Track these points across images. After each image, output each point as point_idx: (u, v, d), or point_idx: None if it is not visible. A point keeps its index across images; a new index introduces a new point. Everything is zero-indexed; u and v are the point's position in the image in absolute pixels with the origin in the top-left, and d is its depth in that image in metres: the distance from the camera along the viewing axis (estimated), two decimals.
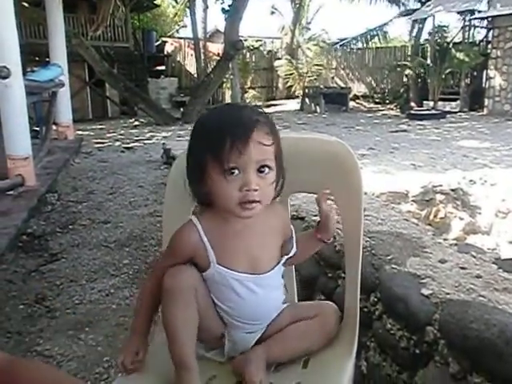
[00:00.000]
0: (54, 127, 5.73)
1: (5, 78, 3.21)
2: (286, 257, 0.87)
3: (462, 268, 1.12)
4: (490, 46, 10.09)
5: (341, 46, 13.23)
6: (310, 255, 0.95)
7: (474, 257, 1.21)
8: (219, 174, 0.77)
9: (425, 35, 11.94)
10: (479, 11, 10.10)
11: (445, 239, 1.38)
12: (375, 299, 1.16)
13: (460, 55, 9.74)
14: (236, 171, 0.76)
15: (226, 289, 0.83)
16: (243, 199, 0.77)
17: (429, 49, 11.09)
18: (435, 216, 3.51)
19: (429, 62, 10.58)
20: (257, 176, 0.77)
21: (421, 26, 11.61)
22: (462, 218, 3.51)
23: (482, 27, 11.06)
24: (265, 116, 0.82)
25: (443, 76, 10.19)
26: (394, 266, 1.15)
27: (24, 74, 3.64)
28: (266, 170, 0.78)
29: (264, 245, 0.85)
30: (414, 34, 12.11)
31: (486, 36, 10.70)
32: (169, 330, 0.80)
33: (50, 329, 1.68)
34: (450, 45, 10.69)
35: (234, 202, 0.78)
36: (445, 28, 11.82)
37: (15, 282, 2.08)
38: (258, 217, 0.82)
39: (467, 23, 10.94)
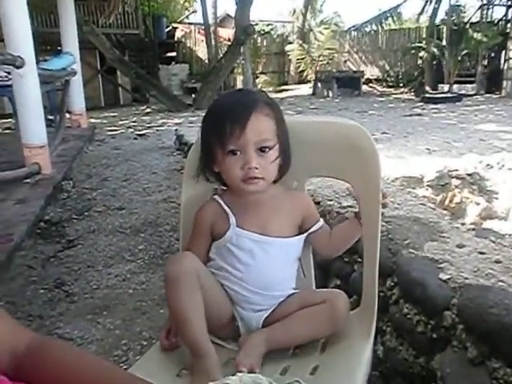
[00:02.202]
0: (67, 115, 5.78)
1: (19, 67, 3.22)
2: (306, 233, 0.93)
3: (481, 253, 1.11)
4: (509, 25, 9.73)
5: (354, 30, 12.95)
6: (348, 242, 0.95)
7: (493, 242, 1.19)
8: (223, 155, 0.87)
9: (440, 15, 11.58)
10: None
11: (462, 224, 1.36)
12: (392, 284, 1.16)
13: (477, 36, 9.42)
14: (238, 152, 0.85)
15: (242, 251, 0.88)
16: (245, 176, 0.86)
17: (444, 30, 10.75)
18: (451, 201, 3.45)
19: (444, 43, 10.28)
20: (257, 155, 0.85)
21: (436, 6, 11.24)
22: (478, 203, 3.43)
23: (501, 5, 10.64)
24: (266, 98, 0.90)
25: (459, 58, 9.90)
26: (411, 250, 1.14)
27: (37, 63, 3.65)
28: (267, 149, 0.86)
29: (274, 216, 0.92)
30: (423, 12, 11.72)
31: (506, 14, 10.28)
32: (178, 317, 0.81)
33: (70, 313, 1.72)
34: (467, 25, 10.35)
35: (238, 180, 0.88)
36: (461, 7, 11.42)
37: (35, 267, 2.13)
38: (271, 194, 0.92)
39: (485, 1, 10.54)
